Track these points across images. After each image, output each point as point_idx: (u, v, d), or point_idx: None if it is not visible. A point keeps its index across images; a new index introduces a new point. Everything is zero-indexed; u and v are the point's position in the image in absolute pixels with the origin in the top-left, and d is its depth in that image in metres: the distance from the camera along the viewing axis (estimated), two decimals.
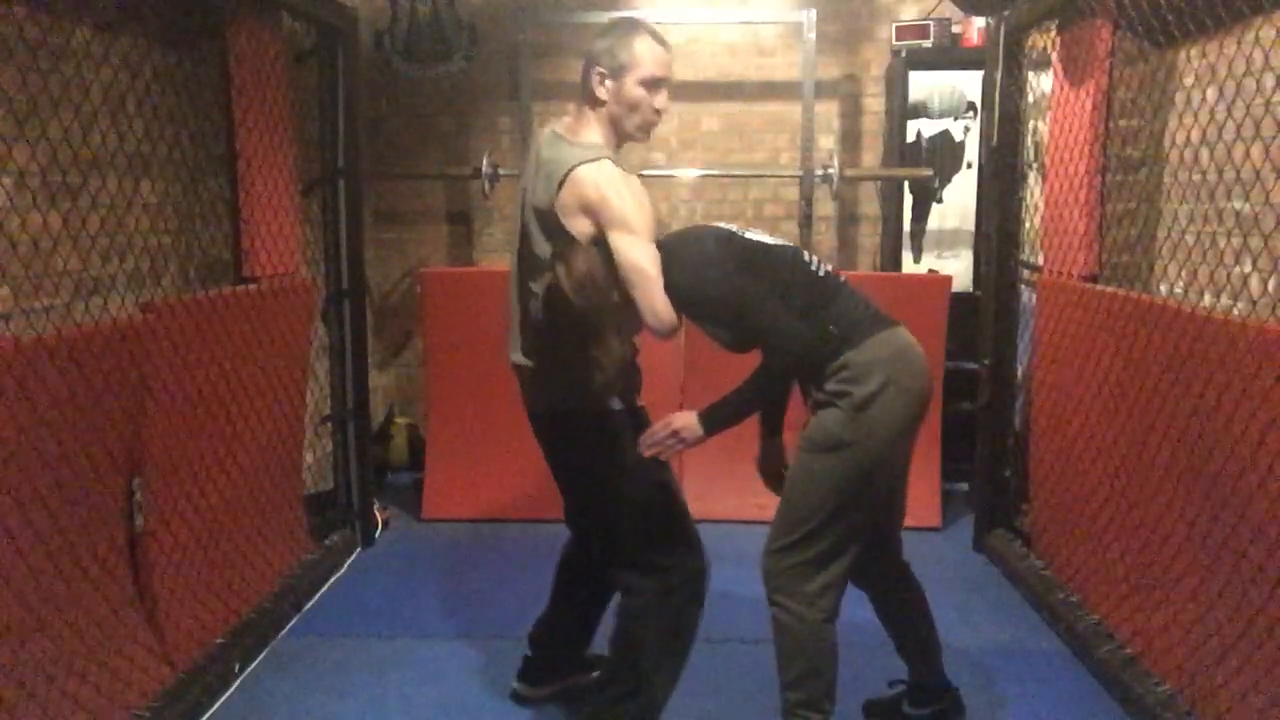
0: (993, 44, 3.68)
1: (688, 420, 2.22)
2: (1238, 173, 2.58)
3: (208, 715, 2.62)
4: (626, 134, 2.27)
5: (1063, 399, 3.23)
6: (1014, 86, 3.64)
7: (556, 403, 2.28)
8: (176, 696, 2.52)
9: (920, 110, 4.42)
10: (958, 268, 4.45)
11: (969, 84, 4.35)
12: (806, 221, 4.39)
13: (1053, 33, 3.42)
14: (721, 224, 2.28)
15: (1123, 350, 2.80)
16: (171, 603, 2.63)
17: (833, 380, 2.12)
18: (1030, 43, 3.61)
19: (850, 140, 4.81)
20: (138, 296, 2.63)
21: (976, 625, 3.18)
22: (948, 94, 4.40)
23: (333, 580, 3.54)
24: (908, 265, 4.51)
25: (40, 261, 2.35)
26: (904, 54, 4.40)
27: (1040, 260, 3.58)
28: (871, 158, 4.82)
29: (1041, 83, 3.69)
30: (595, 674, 2.58)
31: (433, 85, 4.69)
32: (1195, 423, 2.41)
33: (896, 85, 4.48)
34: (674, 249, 2.18)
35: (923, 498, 3.82)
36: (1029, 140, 3.79)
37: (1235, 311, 2.57)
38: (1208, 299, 2.76)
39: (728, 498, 4.10)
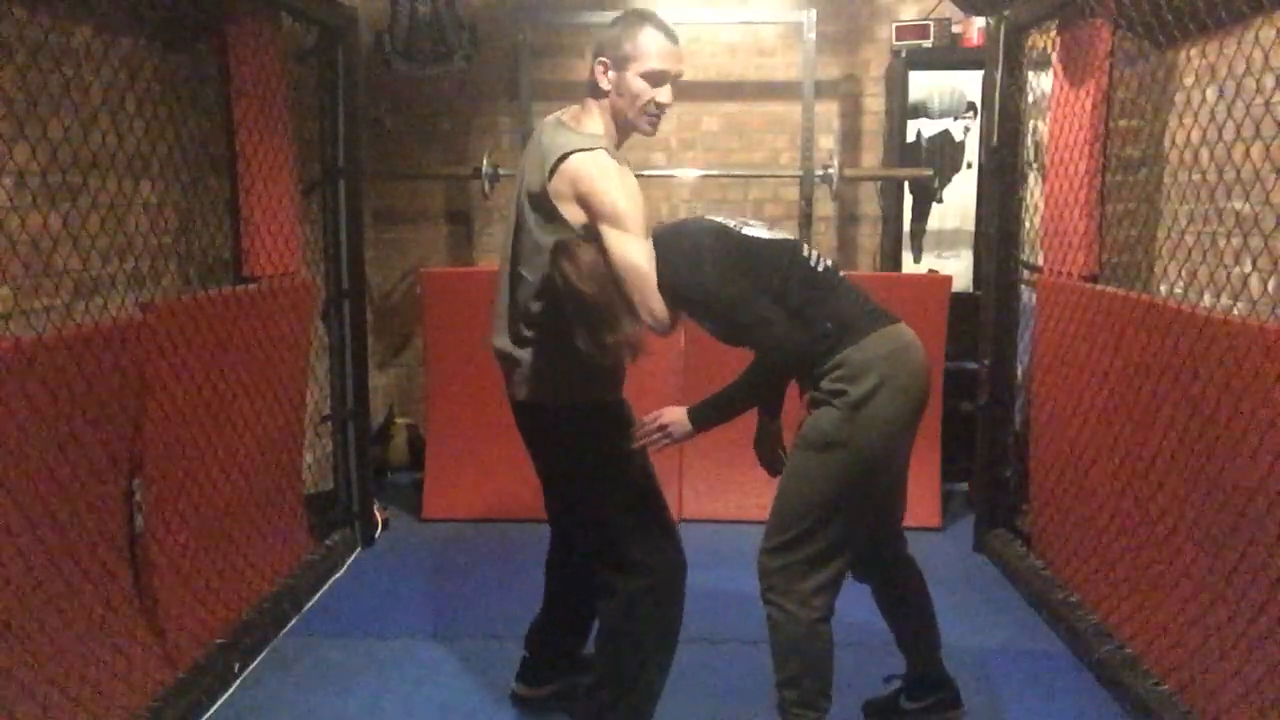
0: (993, 44, 3.68)
1: (677, 415, 2.22)
2: (1238, 173, 2.58)
3: (208, 715, 2.62)
4: (629, 126, 2.25)
5: (1063, 399, 3.23)
6: (1014, 86, 3.63)
7: (543, 395, 2.26)
8: (176, 696, 2.52)
9: (920, 110, 4.42)
10: (958, 268, 4.45)
11: (969, 84, 4.35)
12: (806, 221, 4.39)
13: (1053, 33, 3.42)
14: (720, 217, 2.25)
15: (1123, 350, 2.80)
16: (171, 603, 2.63)
17: (828, 378, 2.11)
18: (1030, 43, 3.61)
19: (850, 140, 4.81)
20: (138, 296, 2.63)
21: (976, 625, 3.18)
22: (948, 94, 4.40)
23: (333, 580, 3.54)
24: (908, 265, 4.52)
25: (40, 261, 2.35)
26: (904, 54, 4.40)
27: (1040, 260, 3.58)
28: (871, 158, 4.82)
29: (1041, 83, 3.69)
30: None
31: (433, 85, 4.69)
32: (1195, 423, 2.41)
33: (896, 85, 4.48)
34: (667, 242, 2.15)
35: (923, 498, 3.82)
36: (1029, 140, 3.79)
37: (1235, 311, 2.57)
38: (1208, 299, 2.76)
39: (728, 498, 4.10)
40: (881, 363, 2.09)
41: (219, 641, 2.81)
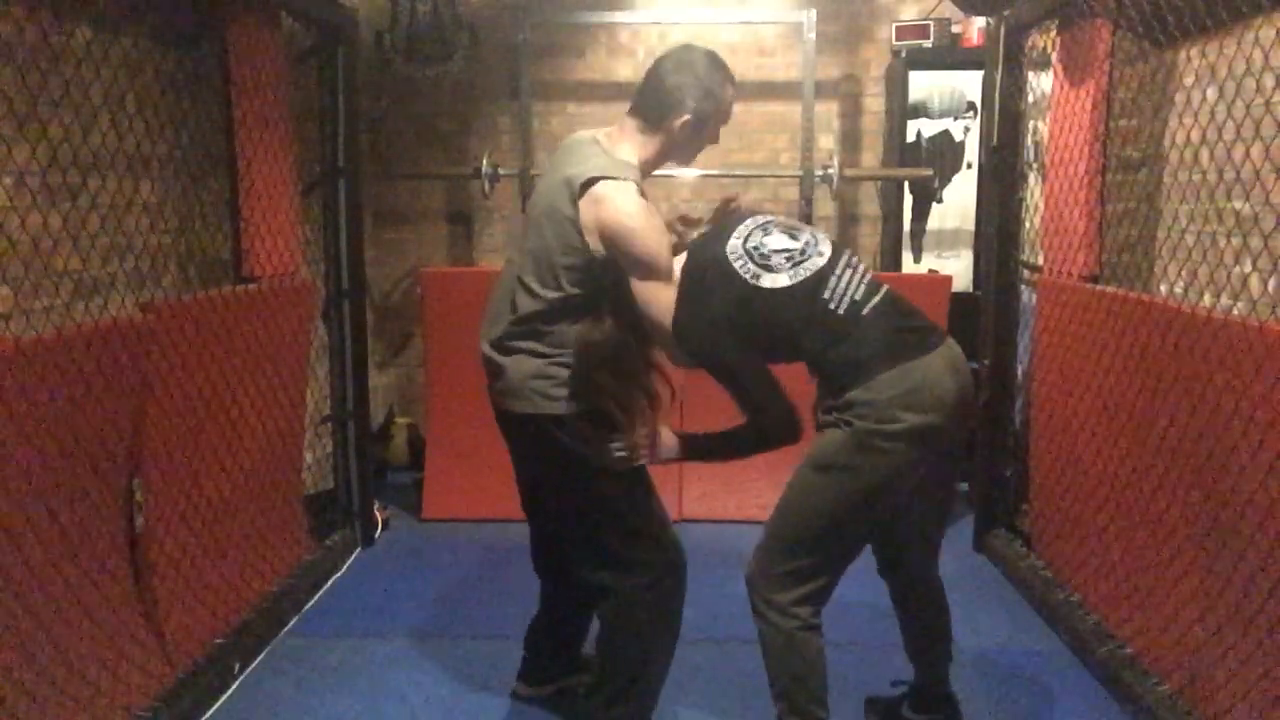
0: (993, 44, 3.68)
1: (669, 439, 2.23)
2: (1238, 173, 2.58)
3: (208, 715, 2.62)
4: (671, 160, 2.27)
5: (1063, 399, 3.23)
6: (1014, 86, 3.64)
7: (535, 405, 2.23)
8: (176, 696, 2.52)
9: (920, 110, 4.42)
10: (958, 268, 4.45)
11: (969, 84, 4.35)
12: (806, 221, 4.39)
13: (1053, 33, 3.42)
14: (758, 223, 2.19)
15: (1123, 350, 2.80)
16: (171, 603, 2.63)
17: (838, 410, 2.08)
18: (1030, 43, 3.61)
19: (850, 140, 4.81)
20: (138, 296, 2.63)
21: (976, 625, 3.18)
22: (948, 94, 4.40)
23: (333, 580, 3.54)
24: (908, 265, 4.52)
25: (40, 261, 2.35)
26: (904, 54, 4.41)
27: (1040, 260, 3.58)
28: (871, 158, 4.83)
29: (1041, 83, 3.69)
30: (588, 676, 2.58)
31: (433, 85, 4.69)
32: (1195, 423, 2.41)
33: (896, 85, 4.48)
34: (684, 291, 2.14)
35: None
36: (1029, 140, 3.79)
37: (1235, 311, 2.57)
38: (1208, 299, 2.76)
39: (728, 498, 4.10)
40: (887, 406, 2.02)
41: (219, 641, 2.82)
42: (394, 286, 4.96)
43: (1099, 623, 2.93)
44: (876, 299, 2.12)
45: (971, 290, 4.35)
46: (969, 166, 4.42)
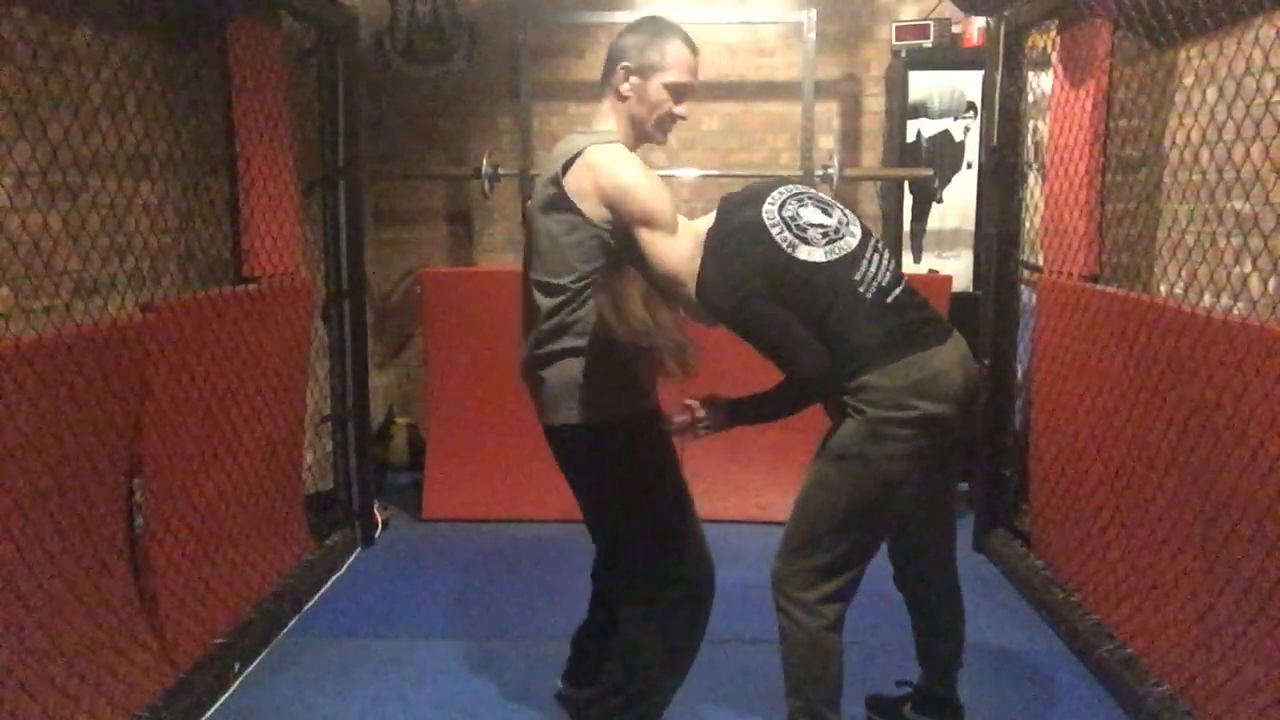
0: (993, 44, 3.68)
1: (715, 406, 2.22)
2: (1238, 173, 2.58)
3: (208, 715, 2.62)
4: (644, 134, 2.24)
5: (1063, 399, 3.23)
6: (1014, 86, 3.64)
7: (570, 416, 2.19)
8: (176, 696, 2.52)
9: (920, 110, 4.42)
10: (958, 268, 4.45)
11: (969, 84, 4.35)
12: None
13: (1053, 33, 3.42)
14: (790, 192, 2.17)
15: (1123, 350, 2.80)
16: (171, 603, 2.64)
17: (852, 395, 2.08)
18: (1030, 43, 3.62)
19: (850, 140, 4.81)
20: (138, 296, 2.63)
21: (976, 625, 3.16)
22: (948, 94, 4.40)
23: (333, 580, 3.54)
24: (908, 265, 4.51)
25: (40, 261, 2.35)
26: (904, 54, 4.40)
27: (1040, 260, 3.58)
28: (871, 158, 4.82)
29: (1041, 83, 3.69)
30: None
31: (433, 85, 4.69)
32: (1195, 423, 2.41)
33: (896, 85, 4.48)
34: (713, 249, 2.15)
35: None
36: (1029, 140, 3.79)
37: (1235, 311, 2.57)
38: (1208, 299, 2.75)
39: (728, 498, 4.10)
40: (902, 393, 2.03)
41: (219, 641, 2.81)
42: (394, 286, 4.96)
43: (1099, 623, 2.93)
44: (899, 289, 2.13)
45: (971, 290, 4.35)
46: (969, 166, 4.42)
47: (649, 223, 2.09)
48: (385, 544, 3.93)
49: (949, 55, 4.37)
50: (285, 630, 3.13)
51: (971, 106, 4.37)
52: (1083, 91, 3.17)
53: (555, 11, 4.58)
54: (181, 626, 2.67)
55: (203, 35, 3.12)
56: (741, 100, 4.77)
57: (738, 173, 4.72)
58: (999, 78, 3.63)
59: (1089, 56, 3.12)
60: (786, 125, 4.74)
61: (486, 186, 4.48)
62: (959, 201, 4.46)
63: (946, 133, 4.42)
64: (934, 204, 4.49)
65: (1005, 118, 3.65)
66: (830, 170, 4.33)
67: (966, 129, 4.40)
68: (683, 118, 2.25)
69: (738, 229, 2.15)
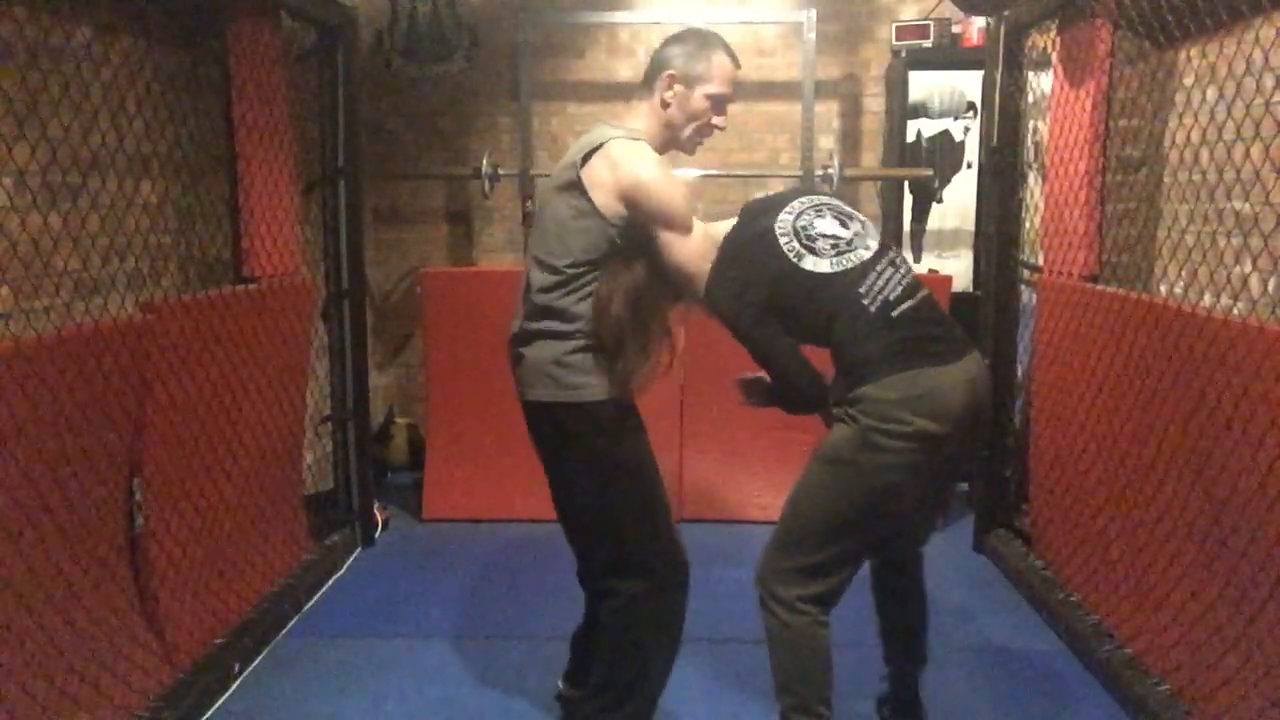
0: (993, 44, 3.68)
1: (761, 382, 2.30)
2: (1238, 173, 2.58)
3: (208, 715, 2.62)
4: (676, 141, 2.27)
5: (1063, 399, 3.23)
6: (1014, 86, 3.64)
7: (543, 392, 2.22)
8: (176, 696, 2.52)
9: (920, 110, 4.42)
10: (958, 268, 4.45)
11: (969, 84, 4.35)
12: None
13: (1053, 33, 3.42)
14: (811, 203, 2.21)
15: (1123, 350, 2.80)
16: (171, 603, 2.64)
17: (850, 405, 2.08)
18: (1030, 43, 3.61)
19: (850, 140, 4.81)
20: (138, 296, 2.63)
21: (976, 625, 3.18)
22: (948, 94, 4.40)
23: (333, 580, 3.54)
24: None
25: (40, 261, 2.35)
26: (904, 54, 4.41)
27: (1040, 260, 3.58)
28: (871, 158, 4.82)
29: (1041, 83, 3.69)
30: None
31: (433, 85, 4.69)
32: (1195, 423, 2.41)
33: (896, 85, 4.48)
34: (725, 254, 2.20)
35: None
36: (1029, 140, 3.79)
37: (1235, 311, 2.57)
38: (1208, 299, 2.76)
39: (728, 498, 4.10)
40: (894, 406, 2.02)
41: (219, 641, 2.82)
42: (394, 286, 4.96)
43: (1099, 623, 2.93)
44: (910, 303, 2.11)
45: (971, 290, 4.35)
46: (969, 166, 4.42)
47: (664, 220, 2.14)
48: (385, 544, 3.93)
49: (949, 55, 4.37)
50: (285, 630, 3.13)
51: (971, 106, 4.37)
52: (1083, 91, 3.17)
53: (555, 11, 4.58)
54: (181, 626, 2.67)
55: (203, 35, 3.12)
56: (741, 100, 4.74)
57: (738, 172, 4.73)
58: (999, 78, 3.63)
59: (1089, 56, 3.12)
60: (786, 125, 4.74)
61: (486, 186, 4.48)
62: (959, 201, 4.46)
63: (946, 133, 4.42)
64: (934, 204, 4.49)
65: (1005, 118, 3.65)
66: (830, 170, 4.33)
67: (966, 129, 4.40)
68: (720, 128, 2.30)
69: (751, 237, 2.19)
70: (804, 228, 2.15)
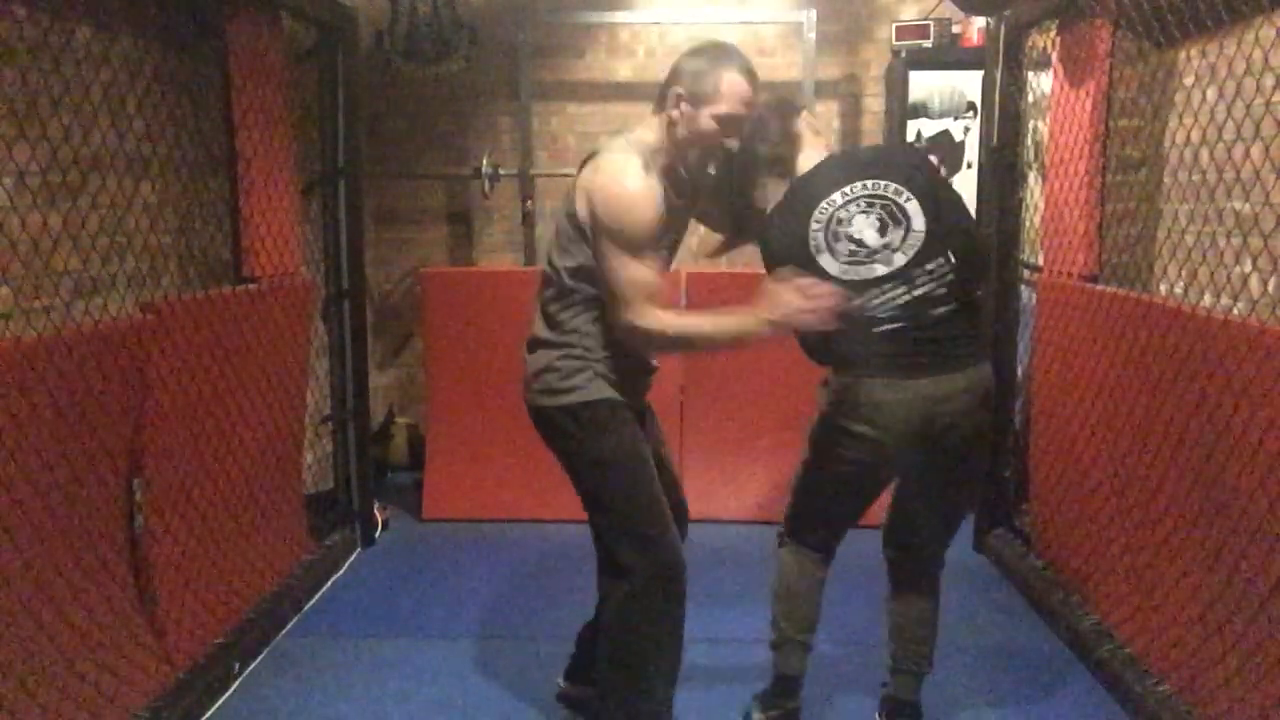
0: (993, 44, 3.68)
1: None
2: (1238, 173, 2.58)
3: (208, 715, 2.62)
4: (684, 159, 2.20)
5: (1063, 399, 3.23)
6: (1014, 86, 3.64)
7: (542, 398, 2.25)
8: (176, 696, 2.52)
9: (920, 110, 4.41)
10: None
11: (969, 84, 4.35)
12: None
13: (1053, 33, 3.42)
14: (854, 198, 2.18)
15: (1123, 350, 2.80)
16: (171, 603, 2.63)
17: (825, 385, 2.31)
18: (1030, 43, 3.61)
19: (850, 140, 4.81)
20: (138, 296, 2.63)
21: (976, 625, 3.18)
22: (948, 94, 4.40)
23: (333, 580, 3.54)
24: None
25: (40, 261, 2.35)
26: (904, 54, 4.40)
27: (1040, 260, 3.58)
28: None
29: (1041, 83, 3.69)
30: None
31: (433, 85, 4.69)
32: (1195, 423, 2.41)
33: (896, 85, 4.48)
34: (778, 206, 2.26)
35: None
36: (1029, 140, 3.79)
37: (1235, 311, 2.57)
38: (1208, 299, 2.76)
39: (728, 498, 4.10)
40: (843, 404, 2.21)
41: (219, 641, 2.81)
42: (394, 286, 4.96)
43: (1099, 623, 2.93)
44: (898, 324, 2.16)
45: None
46: (969, 166, 4.41)
47: (611, 234, 2.08)
48: (385, 544, 3.93)
49: (949, 55, 4.37)
50: (285, 630, 3.13)
51: (971, 106, 4.36)
52: (1083, 91, 3.17)
53: (555, 11, 4.58)
54: (181, 626, 2.67)
55: (203, 35, 3.12)
56: None
57: None
58: (999, 78, 3.63)
59: (1089, 56, 3.12)
60: None
61: (486, 186, 4.48)
62: None
63: (946, 133, 4.42)
64: None
65: (1005, 118, 3.65)
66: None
67: (966, 129, 4.40)
68: (732, 149, 2.21)
69: (797, 202, 2.24)
70: (839, 221, 2.18)
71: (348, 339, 3.76)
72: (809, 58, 4.36)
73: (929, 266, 2.16)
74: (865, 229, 2.16)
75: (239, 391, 3.00)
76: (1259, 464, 2.14)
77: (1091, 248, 3.19)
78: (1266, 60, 2.47)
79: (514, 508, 4.09)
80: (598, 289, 2.16)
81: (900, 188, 2.17)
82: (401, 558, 3.79)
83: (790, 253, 2.19)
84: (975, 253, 2.29)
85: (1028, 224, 3.73)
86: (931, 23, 4.37)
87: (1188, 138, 2.94)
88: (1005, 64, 3.61)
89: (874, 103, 4.79)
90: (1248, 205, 2.71)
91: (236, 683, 2.79)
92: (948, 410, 2.18)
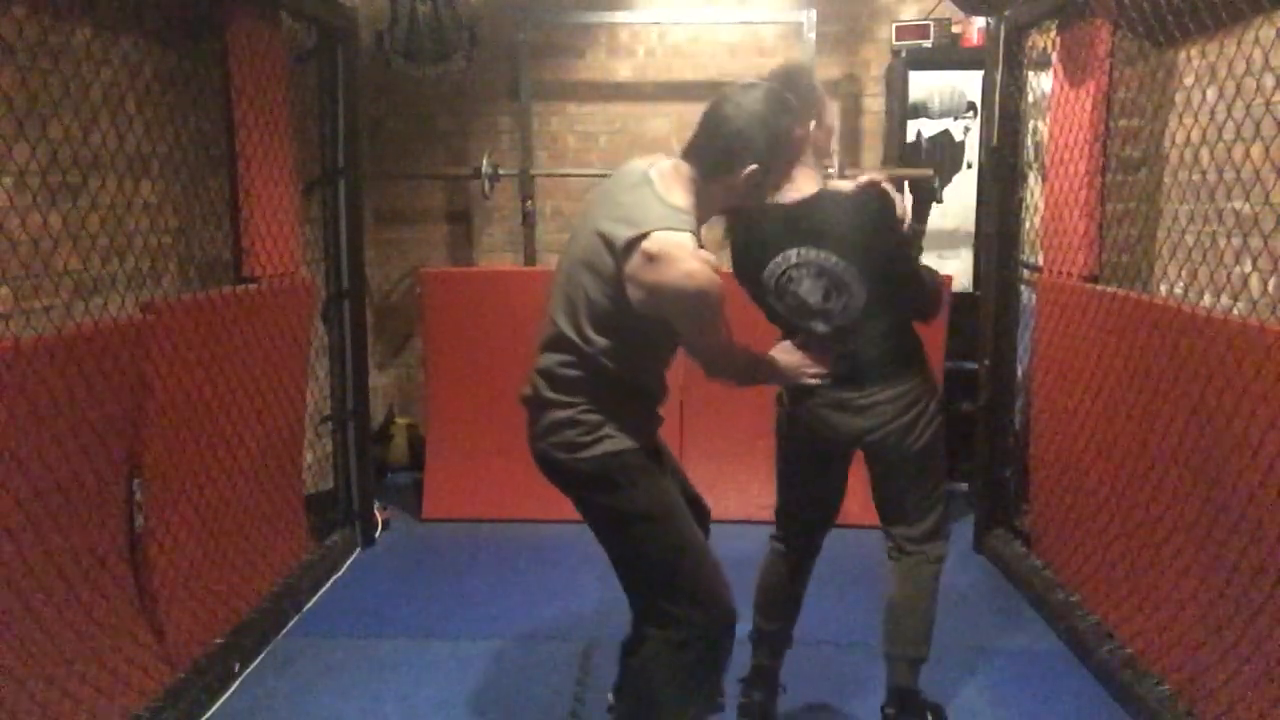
0: (993, 44, 3.68)
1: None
2: (1238, 173, 2.58)
3: (208, 715, 2.62)
4: (719, 210, 2.11)
5: (1063, 399, 3.23)
6: (1014, 86, 3.64)
7: (561, 450, 2.10)
8: (176, 696, 2.52)
9: (920, 110, 4.41)
10: (958, 268, 4.44)
11: (969, 84, 4.35)
12: None
13: (1053, 33, 3.42)
14: (807, 261, 2.24)
15: (1123, 350, 2.80)
16: (171, 603, 2.63)
17: None
18: (1030, 43, 3.61)
19: (850, 140, 4.81)
20: (138, 296, 2.63)
21: (977, 625, 3.18)
22: (948, 94, 4.40)
23: (333, 580, 3.54)
24: None
25: (40, 261, 2.35)
26: (904, 54, 4.40)
27: (1040, 260, 3.58)
28: (872, 158, 4.82)
29: (1041, 83, 3.69)
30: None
31: (433, 85, 4.69)
32: (1195, 423, 2.41)
33: (896, 85, 4.48)
34: (739, 230, 2.37)
35: None
36: (1029, 140, 3.79)
37: (1235, 311, 2.57)
38: (1208, 299, 2.76)
39: (728, 498, 4.09)
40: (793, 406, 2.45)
41: (219, 641, 2.81)
42: (394, 286, 4.96)
43: (1099, 623, 2.93)
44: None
45: (971, 290, 4.35)
46: (969, 166, 4.41)
47: (697, 324, 2.01)
48: (385, 544, 3.93)
49: (949, 55, 4.37)
50: (285, 630, 3.13)
51: (971, 106, 4.36)
52: (1083, 91, 3.17)
53: (555, 11, 4.58)
54: (181, 626, 2.67)
55: (203, 35, 3.12)
56: None
57: None
58: (999, 78, 3.63)
59: (1089, 56, 3.12)
60: None
61: (486, 186, 4.48)
62: (959, 201, 4.45)
63: (946, 133, 4.42)
64: (934, 204, 4.48)
65: (1005, 118, 3.65)
66: (830, 170, 4.32)
67: (966, 129, 4.39)
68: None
69: (753, 243, 2.31)
70: (790, 279, 2.28)
71: (348, 339, 3.75)
72: (809, 58, 4.35)
73: (866, 325, 2.30)
74: (811, 293, 2.27)
75: (239, 391, 3.00)
76: (1259, 464, 2.14)
77: (1091, 248, 3.19)
78: (1266, 60, 2.47)
79: (514, 508, 4.09)
80: (623, 367, 2.06)
81: (848, 265, 2.23)
82: (401, 558, 3.79)
83: (746, 276, 2.34)
84: (913, 294, 2.39)
85: (1028, 224, 3.73)
86: (931, 23, 4.37)
87: (1188, 138, 2.94)
88: (1005, 64, 3.61)
89: (874, 103, 4.78)
90: (1248, 205, 2.71)
91: (236, 683, 2.79)
92: (850, 424, 2.36)
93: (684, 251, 1.91)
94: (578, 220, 2.16)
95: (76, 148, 2.41)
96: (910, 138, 4.43)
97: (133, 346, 2.43)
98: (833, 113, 2.36)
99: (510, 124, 4.77)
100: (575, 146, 4.79)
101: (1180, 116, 3.17)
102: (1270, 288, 2.64)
